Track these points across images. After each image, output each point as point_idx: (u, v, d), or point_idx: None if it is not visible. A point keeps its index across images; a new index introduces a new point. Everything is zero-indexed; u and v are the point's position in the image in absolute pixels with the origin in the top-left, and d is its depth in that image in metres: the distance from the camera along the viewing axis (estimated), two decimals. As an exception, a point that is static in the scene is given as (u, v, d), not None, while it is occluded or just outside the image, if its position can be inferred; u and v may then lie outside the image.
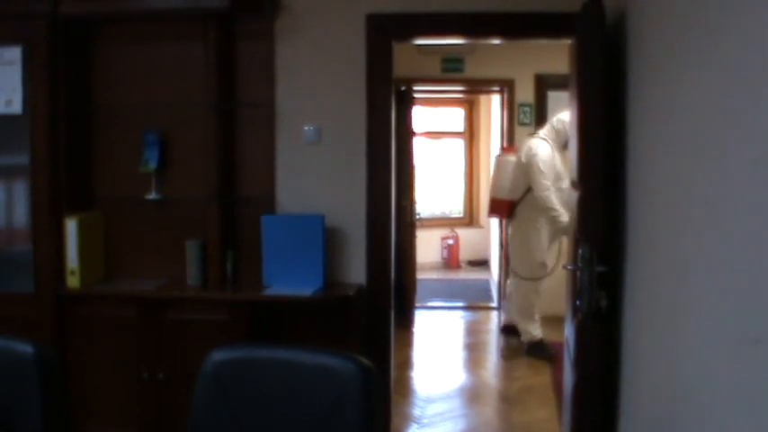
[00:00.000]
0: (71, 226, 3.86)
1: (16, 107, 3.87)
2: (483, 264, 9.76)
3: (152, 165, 3.99)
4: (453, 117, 10.41)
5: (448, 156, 10.48)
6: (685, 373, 2.03)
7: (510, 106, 7.11)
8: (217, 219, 3.93)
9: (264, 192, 4.03)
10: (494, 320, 7.30)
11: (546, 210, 5.65)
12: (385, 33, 3.97)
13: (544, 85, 6.99)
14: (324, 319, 3.96)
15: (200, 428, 1.95)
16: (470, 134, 10.34)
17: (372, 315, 4.04)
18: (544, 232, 5.83)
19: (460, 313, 7.62)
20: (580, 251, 2.98)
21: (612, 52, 3.05)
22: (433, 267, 9.70)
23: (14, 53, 3.85)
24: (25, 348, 2.02)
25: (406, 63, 6.09)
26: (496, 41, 5.39)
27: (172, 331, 3.81)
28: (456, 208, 10.53)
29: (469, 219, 10.45)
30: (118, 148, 4.10)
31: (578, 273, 3.00)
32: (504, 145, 7.09)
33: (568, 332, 3.58)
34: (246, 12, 3.89)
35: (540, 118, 6.99)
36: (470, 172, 10.37)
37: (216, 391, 1.92)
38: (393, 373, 4.50)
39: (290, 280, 3.85)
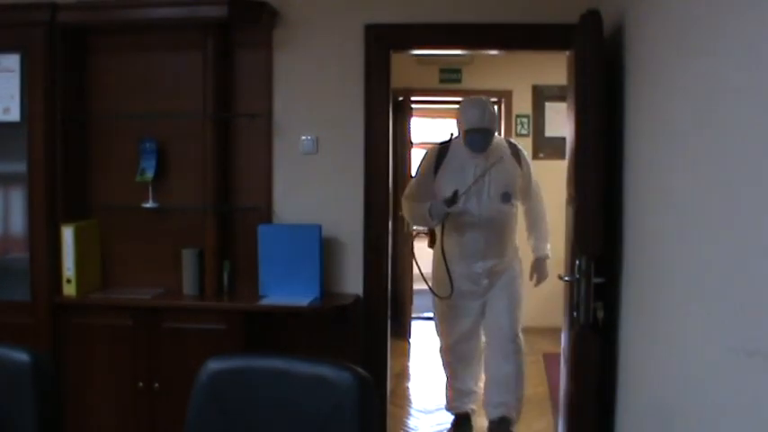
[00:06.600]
0: (68, 234, 3.85)
1: (14, 115, 3.87)
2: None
3: (149, 174, 3.98)
4: (451, 128, 10.41)
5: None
6: (682, 385, 2.03)
7: (507, 117, 7.12)
8: (213, 228, 3.93)
9: (261, 201, 4.03)
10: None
11: None
12: (383, 44, 3.98)
13: (542, 96, 7.01)
14: (320, 330, 3.95)
15: (195, 438, 1.94)
16: (468, 145, 10.32)
17: (369, 325, 4.04)
18: None
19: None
20: (577, 262, 2.98)
21: (610, 64, 3.06)
22: (429, 278, 9.65)
23: (13, 61, 3.86)
24: (21, 356, 2.01)
25: (404, 73, 6.10)
26: (494, 52, 5.41)
27: (168, 340, 3.80)
28: (453, 218, 10.51)
29: (466, 229, 10.42)
30: (115, 157, 4.09)
31: (575, 284, 3.01)
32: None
33: (565, 343, 3.58)
34: (245, 22, 3.90)
35: (538, 129, 7.00)
36: (467, 183, 10.34)
37: (211, 401, 1.92)
38: (389, 384, 4.49)
39: (286, 290, 3.84)
